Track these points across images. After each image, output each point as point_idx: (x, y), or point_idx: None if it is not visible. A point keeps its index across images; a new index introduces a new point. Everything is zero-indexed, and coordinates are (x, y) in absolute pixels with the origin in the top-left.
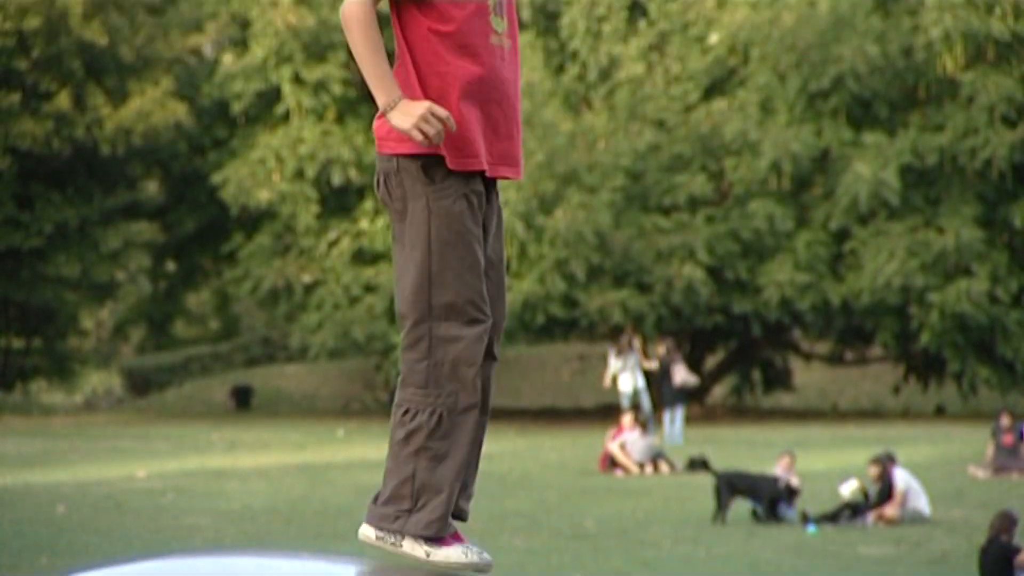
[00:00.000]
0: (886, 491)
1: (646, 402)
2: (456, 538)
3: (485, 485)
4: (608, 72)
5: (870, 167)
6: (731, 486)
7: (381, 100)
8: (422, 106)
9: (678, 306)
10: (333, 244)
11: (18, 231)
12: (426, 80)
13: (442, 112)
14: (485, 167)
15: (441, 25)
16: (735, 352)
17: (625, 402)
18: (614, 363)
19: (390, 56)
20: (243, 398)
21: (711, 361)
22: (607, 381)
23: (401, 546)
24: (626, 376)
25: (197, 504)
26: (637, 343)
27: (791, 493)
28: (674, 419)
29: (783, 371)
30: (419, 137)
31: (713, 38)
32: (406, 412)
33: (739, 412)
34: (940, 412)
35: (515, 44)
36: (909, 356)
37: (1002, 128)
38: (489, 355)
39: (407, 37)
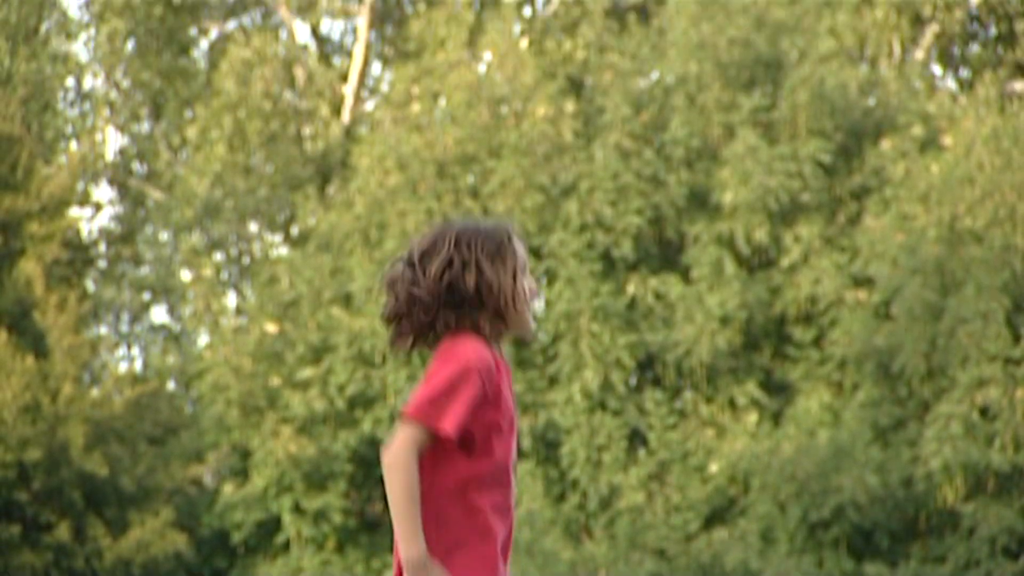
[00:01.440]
0: None
1: None
2: None
3: None
4: (608, 501)
5: None
6: None
7: (408, 552)
8: None
9: None
10: None
11: None
12: (452, 516)
13: None
14: None
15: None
16: None
17: None
18: None
19: None
20: None
21: None
22: None
23: None
24: None
25: None
26: None
27: None
28: None
29: None
30: None
31: (713, 467)
32: None
33: None
34: None
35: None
36: None
37: (1004, 560)
38: None
39: (438, 480)
